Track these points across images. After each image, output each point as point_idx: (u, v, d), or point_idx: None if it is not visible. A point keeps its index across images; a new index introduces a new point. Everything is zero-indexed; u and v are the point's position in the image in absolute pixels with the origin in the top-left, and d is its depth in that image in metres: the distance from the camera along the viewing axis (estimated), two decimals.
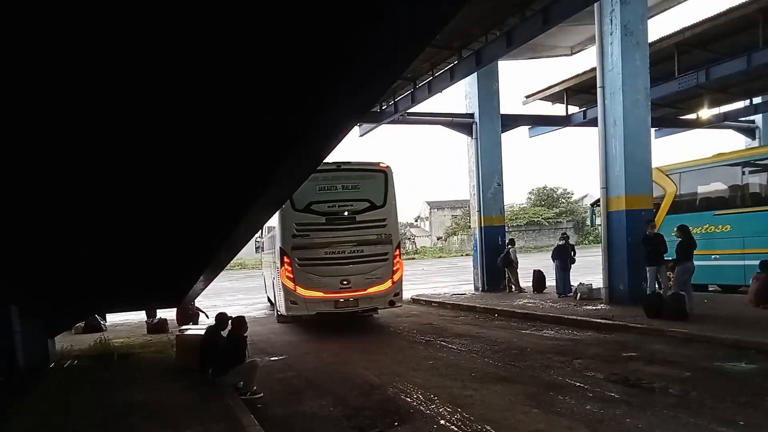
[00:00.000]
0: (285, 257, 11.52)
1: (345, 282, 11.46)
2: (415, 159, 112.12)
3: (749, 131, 21.42)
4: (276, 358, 9.37)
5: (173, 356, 9.09)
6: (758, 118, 21.04)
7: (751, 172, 13.52)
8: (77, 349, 10.13)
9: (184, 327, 10.41)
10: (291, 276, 11.46)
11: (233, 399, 6.52)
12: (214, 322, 7.86)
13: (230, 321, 7.61)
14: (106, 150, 4.35)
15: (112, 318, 14.85)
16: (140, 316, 13.91)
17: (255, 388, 7.08)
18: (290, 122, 4.15)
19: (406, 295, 18.22)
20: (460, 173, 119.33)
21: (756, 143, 20.85)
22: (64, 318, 10.21)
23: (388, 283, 11.80)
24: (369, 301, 11.74)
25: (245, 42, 3.16)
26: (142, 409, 6.34)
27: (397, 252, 12.04)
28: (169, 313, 13.32)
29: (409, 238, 63.03)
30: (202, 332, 8.12)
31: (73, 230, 5.99)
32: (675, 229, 10.92)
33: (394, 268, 11.88)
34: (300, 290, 11.45)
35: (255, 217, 6.86)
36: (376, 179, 11.96)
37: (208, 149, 4.65)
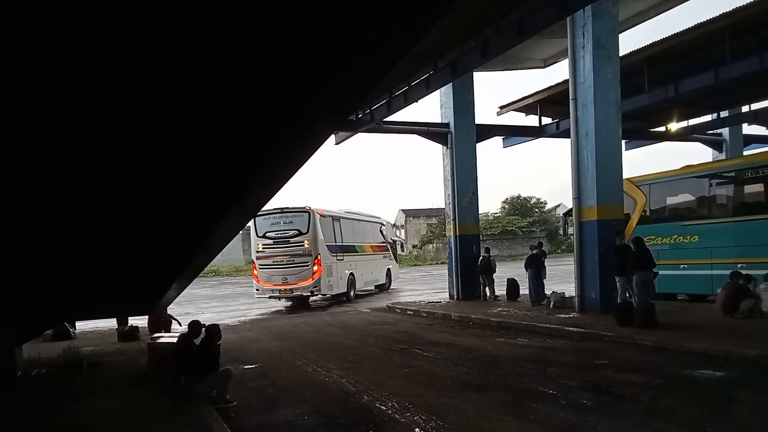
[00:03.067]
0: (253, 264, 19.51)
1: (284, 278, 18.45)
2: (391, 167, 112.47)
3: (716, 144, 21.95)
4: (250, 366, 9.29)
5: (145, 364, 8.93)
6: (725, 132, 21.58)
7: (718, 184, 13.87)
8: (45, 357, 9.89)
9: (156, 335, 10.26)
10: (256, 275, 19.21)
11: (206, 408, 6.44)
12: (187, 330, 7.75)
13: (204, 329, 7.53)
14: (82, 154, 4.30)
15: (81, 325, 14.56)
16: (111, 323, 13.65)
17: (228, 396, 7.01)
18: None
19: (382, 303, 18.31)
20: (436, 182, 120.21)
21: (723, 156, 21.37)
22: (32, 325, 9.98)
23: (309, 280, 18.20)
24: (298, 289, 18.33)
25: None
26: (111, 418, 6.22)
27: (317, 261, 18.16)
28: (140, 321, 13.12)
29: None
30: (175, 340, 8.00)
31: (42, 234, 5.89)
32: (631, 241, 11.18)
33: (314, 270, 18.15)
34: (261, 283, 19.01)
35: (229, 226, 6.83)
36: (303, 216, 18.55)
37: (186, 162, 4.63)
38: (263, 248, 18.75)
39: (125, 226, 6.18)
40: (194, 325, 7.71)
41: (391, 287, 25.64)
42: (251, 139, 4.30)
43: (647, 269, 10.75)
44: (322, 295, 18.94)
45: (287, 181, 6.21)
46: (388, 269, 25.14)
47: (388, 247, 25.64)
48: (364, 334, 12.20)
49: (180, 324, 12.66)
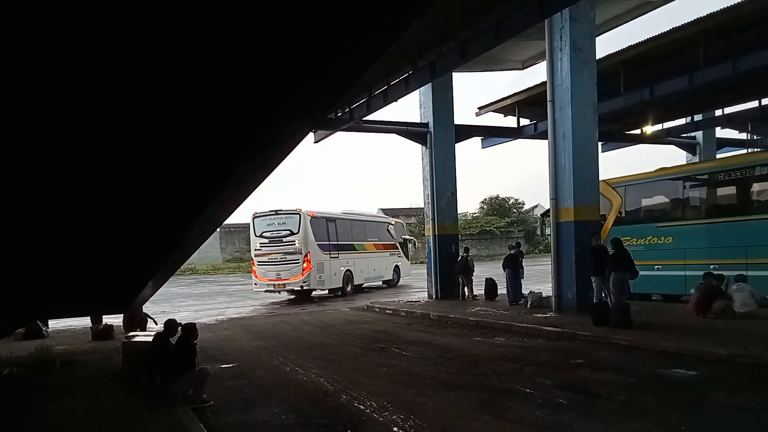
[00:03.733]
0: (252, 261, 21.73)
1: (278, 274, 20.36)
2: (370, 166, 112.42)
3: (690, 147, 22.33)
4: (227, 366, 9.22)
5: (120, 364, 8.82)
6: (699, 135, 21.97)
7: (691, 187, 14.12)
8: (17, 357, 9.70)
9: (131, 333, 10.13)
10: (255, 270, 21.32)
11: (182, 408, 6.38)
12: (163, 329, 7.68)
13: (180, 328, 7.45)
14: (55, 147, 4.22)
15: (54, 324, 14.33)
16: (85, 321, 13.47)
17: (205, 396, 6.94)
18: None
19: (360, 303, 18.32)
20: (415, 181, 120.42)
21: (696, 159, 21.76)
22: (2, 323, 9.79)
23: (300, 275, 20.00)
24: (290, 284, 20.23)
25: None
26: (86, 418, 6.14)
27: (306, 258, 20.01)
28: (115, 319, 12.94)
29: None
30: (151, 339, 7.92)
31: (13, 230, 5.77)
32: (610, 241, 11.32)
33: (304, 267, 19.95)
34: (259, 278, 21.10)
35: (206, 224, 6.76)
36: (294, 218, 20.41)
37: (160, 160, 4.58)
38: (260, 246, 20.95)
39: (99, 223, 6.08)
40: (170, 324, 7.64)
41: (400, 283, 26.76)
42: (227, 139, 4.27)
43: (624, 270, 10.87)
44: (312, 289, 20.75)
45: (264, 179, 6.17)
46: (396, 266, 26.62)
47: (397, 245, 27.03)
48: (343, 333, 12.19)
49: (156, 323, 12.51)
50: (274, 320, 15.32)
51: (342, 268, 22.27)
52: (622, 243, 11.28)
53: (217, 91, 3.51)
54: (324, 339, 11.61)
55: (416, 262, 39.93)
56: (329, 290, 22.15)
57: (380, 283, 26.23)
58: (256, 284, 21.25)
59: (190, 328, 7.23)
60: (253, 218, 21.27)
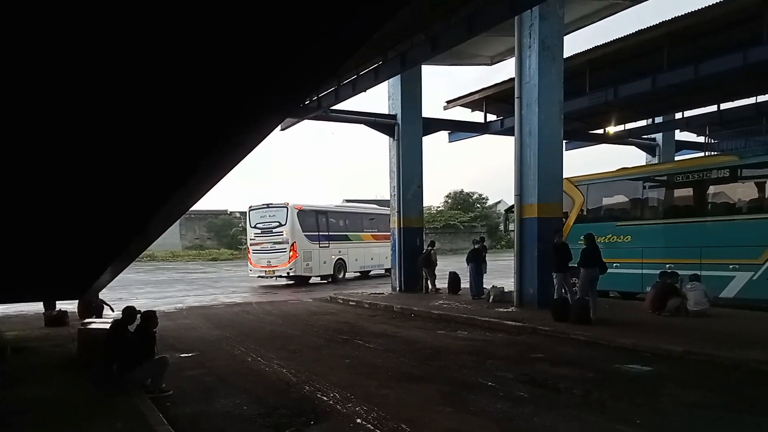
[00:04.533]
0: (248, 249, 24.18)
1: (268, 261, 22.42)
2: (335, 155, 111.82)
3: (650, 148, 22.89)
4: (186, 355, 9.07)
5: (74, 351, 8.58)
6: (659, 137, 22.56)
7: (650, 187, 14.46)
8: None
9: (86, 320, 9.88)
10: (250, 258, 23.54)
11: (140, 397, 6.26)
12: (122, 316, 7.49)
13: (139, 315, 7.29)
14: (14, 133, 4.07)
15: (4, 308, 13.90)
16: (37, 307, 13.06)
17: (164, 385, 6.81)
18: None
19: (324, 294, 18.26)
20: (381, 173, 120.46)
21: (656, 160, 22.33)
22: None
23: (287, 263, 21.90)
24: (278, 270, 22.14)
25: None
26: (39, 406, 5.97)
27: (293, 247, 21.86)
28: (69, 305, 12.59)
29: None
30: (107, 326, 7.72)
31: None
32: (582, 237, 11.50)
33: (290, 255, 21.82)
34: (253, 264, 23.28)
35: (171, 210, 6.63)
36: (283, 210, 22.38)
37: (126, 146, 4.45)
38: (254, 236, 23.26)
39: (58, 205, 5.88)
40: (129, 311, 7.46)
41: None
42: (200, 123, 4.18)
43: (594, 266, 11.04)
44: (300, 275, 22.70)
45: (234, 166, 6.07)
46: None
47: None
48: (306, 324, 12.12)
49: (112, 309, 12.25)
50: (235, 309, 15.15)
51: (333, 257, 24.16)
52: (595, 239, 11.46)
53: (191, 76, 3.42)
54: (286, 329, 11.53)
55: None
56: (321, 276, 24.09)
57: (382, 271, 26.77)
58: (251, 270, 23.52)
59: (150, 316, 7.09)
60: (249, 210, 23.79)
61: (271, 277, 22.99)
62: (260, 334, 11.06)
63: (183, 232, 51.32)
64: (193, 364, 8.47)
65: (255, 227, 23.23)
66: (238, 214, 56.00)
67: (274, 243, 22.33)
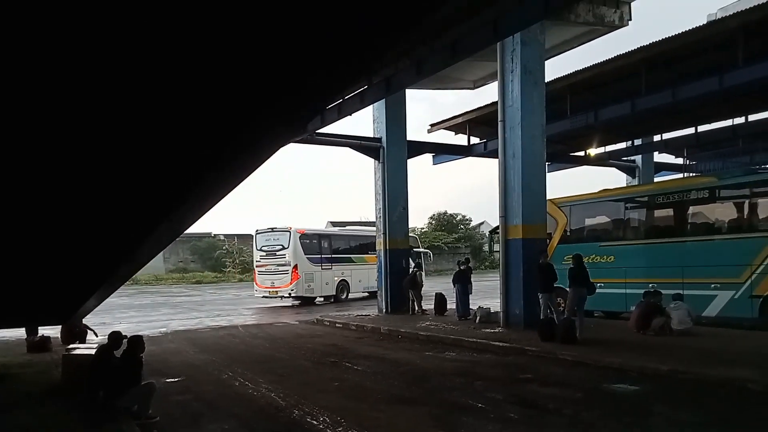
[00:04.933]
0: (254, 271, 25.02)
1: (272, 282, 23.39)
2: (321, 178, 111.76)
3: (630, 170, 23.30)
4: (173, 380, 8.99)
5: (59, 377, 8.45)
6: (638, 159, 22.96)
7: (632, 208, 14.71)
8: None
9: (71, 346, 9.75)
10: (255, 279, 24.57)
11: (127, 424, 6.19)
12: (107, 341, 7.40)
13: (126, 340, 7.22)
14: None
15: None
16: (18, 332, 12.83)
17: (150, 411, 6.72)
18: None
19: (311, 317, 18.20)
20: (365, 195, 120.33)
21: (636, 181, 22.71)
22: None
23: (289, 284, 22.82)
24: (281, 291, 23.07)
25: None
26: None
27: (294, 269, 22.86)
28: (51, 331, 12.41)
29: None
30: (92, 352, 7.64)
31: None
32: (571, 257, 11.67)
33: (292, 277, 22.75)
34: (258, 285, 24.23)
35: (161, 236, 6.62)
36: (286, 234, 23.49)
37: (120, 171, 4.46)
38: (260, 258, 24.34)
39: (47, 229, 5.84)
40: (115, 336, 7.36)
41: None
42: (198, 147, 4.21)
43: (582, 286, 11.17)
44: (299, 296, 23.61)
45: (230, 190, 6.11)
46: None
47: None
48: (293, 347, 12.07)
49: (96, 334, 12.09)
50: (220, 333, 15.03)
51: (336, 278, 25.07)
52: (582, 259, 11.61)
53: (197, 87, 3.44)
54: (273, 353, 11.47)
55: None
56: (324, 297, 24.97)
57: None
58: (257, 291, 24.60)
59: (137, 341, 7.02)
60: (255, 234, 24.86)
61: (275, 297, 23.83)
62: (247, 357, 10.99)
63: (166, 255, 50.82)
64: (180, 389, 8.39)
65: (260, 250, 24.39)
66: (222, 237, 55.68)
67: (278, 265, 23.33)
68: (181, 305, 25.50)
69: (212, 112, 3.57)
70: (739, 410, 6.43)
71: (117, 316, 20.14)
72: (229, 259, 52.77)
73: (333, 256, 25.07)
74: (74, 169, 4.56)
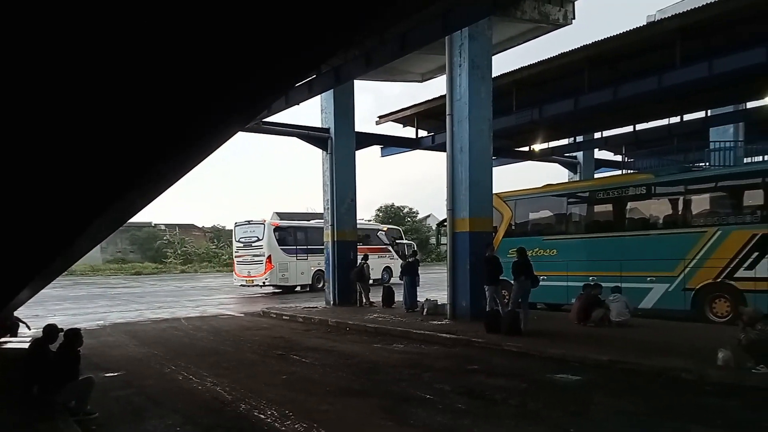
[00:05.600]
0: (233, 261, 26.96)
1: (248, 272, 24.98)
2: (267, 168, 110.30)
3: (572, 166, 24.00)
4: (113, 374, 8.71)
5: None
6: (580, 155, 23.67)
7: (573, 203, 15.14)
8: None
9: (1, 340, 9.32)
10: (234, 268, 26.34)
11: (64, 420, 5.94)
12: (42, 334, 7.09)
13: (62, 334, 6.94)
14: None
15: None
16: None
17: (89, 407, 6.49)
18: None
19: (257, 307, 17.97)
20: (313, 186, 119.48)
21: (577, 177, 23.40)
22: None
23: (263, 273, 24.24)
24: (256, 279, 24.54)
25: None
26: None
27: (268, 259, 24.25)
28: None
29: None
30: (25, 345, 7.32)
31: None
32: (515, 250, 11.92)
33: (266, 267, 24.17)
34: (237, 274, 25.95)
35: (100, 228, 6.35)
36: (260, 227, 24.91)
37: (65, 147, 4.23)
38: (237, 249, 26.14)
39: None
40: (50, 330, 7.06)
41: (392, 281, 27.83)
42: (148, 131, 4.02)
43: (527, 279, 11.42)
44: (273, 285, 25.07)
45: (177, 180, 5.91)
46: (387, 267, 30.07)
47: (390, 249, 30.84)
48: (239, 340, 11.89)
49: (29, 327, 11.57)
50: (162, 326, 14.65)
51: (312, 268, 26.03)
52: (526, 252, 11.86)
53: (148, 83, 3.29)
54: (219, 346, 11.26)
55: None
56: (300, 286, 26.34)
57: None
58: (235, 279, 26.44)
59: (75, 334, 6.76)
60: (234, 226, 26.76)
61: (252, 286, 25.49)
62: (191, 351, 10.75)
63: (104, 246, 49.20)
64: (121, 383, 8.14)
65: (238, 241, 26.20)
66: (162, 227, 54.25)
67: (253, 255, 24.90)
68: (119, 297, 24.76)
69: (155, 101, 3.42)
70: (675, 399, 6.71)
71: (51, 308, 19.36)
72: (170, 250, 51.56)
73: (309, 247, 25.84)
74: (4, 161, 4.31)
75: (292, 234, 26.16)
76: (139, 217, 51.71)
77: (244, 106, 3.77)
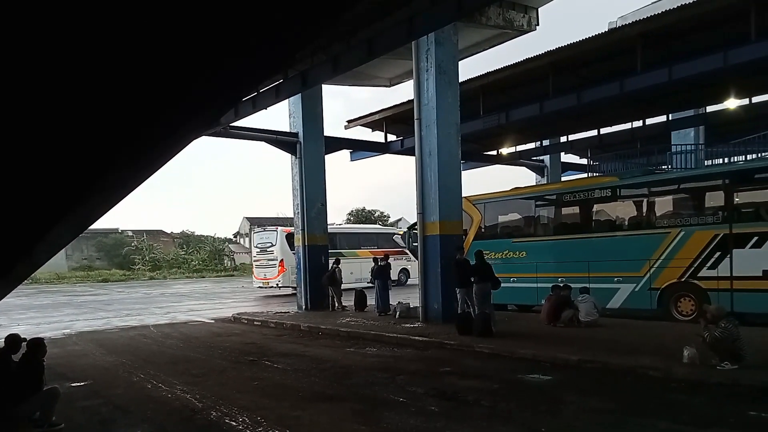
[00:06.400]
0: (252, 265, 28.87)
1: (264, 274, 26.83)
2: (236, 173, 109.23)
3: (539, 169, 24.38)
4: (79, 384, 8.56)
5: None
6: (547, 159, 24.06)
7: (541, 206, 15.37)
8: None
9: None
10: (253, 271, 28.23)
11: None
12: (4, 344, 6.91)
13: (24, 343, 6.78)
14: None
15: None
16: None
17: (54, 419, 6.38)
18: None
19: (228, 313, 17.80)
20: (282, 190, 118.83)
21: (544, 180, 23.76)
22: None
23: (276, 276, 25.96)
24: (271, 282, 26.29)
25: None
26: None
27: (281, 263, 25.77)
28: None
29: (227, 255, 61.22)
30: None
31: None
32: (474, 254, 12.07)
33: (278, 270, 25.85)
34: (255, 277, 27.82)
35: (61, 235, 6.22)
36: (274, 233, 27.01)
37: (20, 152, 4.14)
38: (256, 254, 28.12)
39: None
40: (12, 339, 6.87)
41: (408, 283, 29.35)
42: (107, 134, 3.96)
43: (486, 281, 11.58)
44: (286, 287, 26.03)
45: (138, 185, 5.83)
46: (404, 269, 31.01)
47: (408, 251, 30.23)
48: (209, 347, 11.76)
49: None
50: (131, 333, 14.41)
51: None
52: (484, 255, 12.02)
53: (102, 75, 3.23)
54: (189, 353, 11.13)
55: None
56: None
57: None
58: (254, 281, 28.36)
59: (38, 343, 6.62)
60: (252, 233, 29.89)
61: (268, 287, 27.25)
62: (160, 358, 10.60)
63: (69, 252, 48.19)
64: (87, 393, 8.00)
65: (256, 247, 28.46)
66: (130, 233, 53.32)
67: (268, 260, 26.79)
68: (86, 305, 24.27)
69: (112, 105, 3.38)
70: (644, 396, 6.87)
71: (14, 317, 18.92)
72: (138, 256, 50.71)
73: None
74: None
75: None
76: (106, 224, 50.87)
77: (199, 111, 3.75)
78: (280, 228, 27.47)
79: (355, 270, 28.32)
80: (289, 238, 26.20)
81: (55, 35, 2.62)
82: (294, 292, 25.31)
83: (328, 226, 26.23)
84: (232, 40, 2.93)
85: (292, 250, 25.07)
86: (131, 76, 3.11)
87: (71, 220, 5.43)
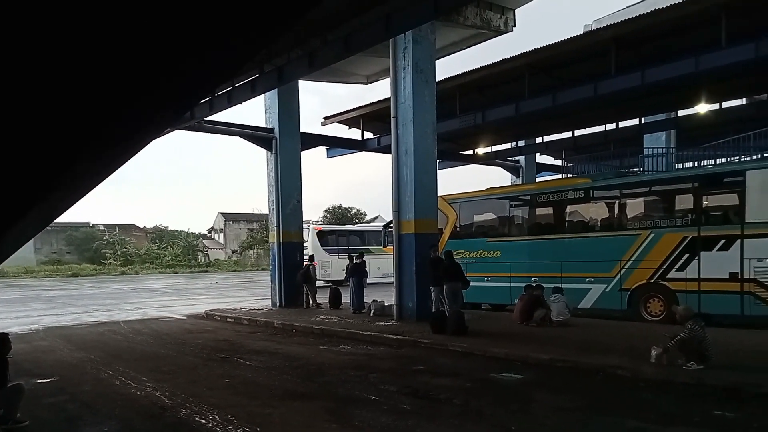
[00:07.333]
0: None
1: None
2: (211, 168, 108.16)
3: (515, 169, 24.57)
4: (45, 380, 8.39)
5: None
6: (522, 159, 24.25)
7: (516, 206, 15.50)
8: None
9: None
10: None
11: None
12: None
13: None
14: None
15: None
16: None
17: (19, 416, 6.23)
18: None
19: (200, 309, 17.62)
20: (258, 186, 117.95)
21: (519, 181, 23.95)
22: None
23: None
24: None
25: None
26: None
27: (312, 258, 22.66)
28: None
29: (201, 250, 60.63)
30: None
31: None
32: (442, 254, 12.12)
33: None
34: None
35: (27, 228, 6.07)
36: (306, 230, 23.31)
37: None
38: None
39: None
40: None
41: None
42: (72, 127, 3.88)
43: (456, 280, 11.64)
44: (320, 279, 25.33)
45: (105, 177, 5.71)
46: None
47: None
48: (180, 343, 11.62)
49: None
50: (100, 329, 14.18)
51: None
52: (453, 255, 12.09)
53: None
54: (159, 349, 10.99)
55: (258, 269, 39.04)
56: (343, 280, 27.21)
57: None
58: None
59: (2, 339, 6.45)
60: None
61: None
62: (130, 355, 10.45)
63: (38, 246, 47.25)
64: (54, 390, 7.85)
65: None
66: (101, 227, 52.53)
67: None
68: (55, 299, 23.85)
69: (76, 96, 3.30)
70: (612, 395, 6.97)
71: None
72: (109, 251, 49.95)
73: (350, 247, 28.05)
74: None
75: (334, 236, 30.91)
76: (76, 217, 49.99)
77: (161, 108, 3.69)
78: (312, 225, 28.95)
79: (382, 265, 29.36)
80: (320, 235, 29.64)
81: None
82: (326, 285, 26.37)
83: (352, 226, 27.51)
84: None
85: (323, 246, 28.80)
86: (86, 66, 3.05)
87: (36, 214, 5.31)
